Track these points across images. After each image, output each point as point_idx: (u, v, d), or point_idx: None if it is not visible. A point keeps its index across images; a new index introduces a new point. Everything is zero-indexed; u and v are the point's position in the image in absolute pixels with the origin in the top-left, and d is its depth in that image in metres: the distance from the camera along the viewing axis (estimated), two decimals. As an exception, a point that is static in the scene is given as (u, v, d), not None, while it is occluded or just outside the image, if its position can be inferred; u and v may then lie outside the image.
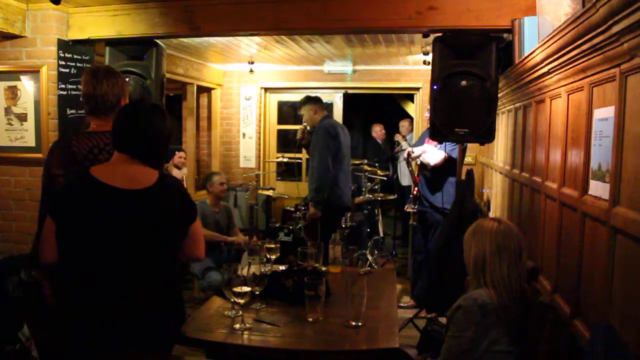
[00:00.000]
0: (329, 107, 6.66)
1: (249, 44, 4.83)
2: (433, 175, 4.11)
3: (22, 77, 3.63)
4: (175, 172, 5.31)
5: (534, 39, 2.67)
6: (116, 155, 1.81)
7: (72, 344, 1.70)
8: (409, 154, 4.22)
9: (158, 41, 3.74)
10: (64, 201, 1.73)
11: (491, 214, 4.24)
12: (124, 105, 2.08)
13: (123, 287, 1.68)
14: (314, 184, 4.14)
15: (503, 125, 3.93)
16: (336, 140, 4.21)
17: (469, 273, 1.89)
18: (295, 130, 6.89)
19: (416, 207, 4.29)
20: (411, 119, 7.28)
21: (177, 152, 5.52)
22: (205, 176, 4.72)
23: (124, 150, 1.78)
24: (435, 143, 4.01)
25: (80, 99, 2.22)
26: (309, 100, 4.38)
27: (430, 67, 3.26)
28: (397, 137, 6.98)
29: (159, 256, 1.76)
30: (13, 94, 3.67)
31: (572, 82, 2.09)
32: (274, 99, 6.88)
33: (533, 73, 2.58)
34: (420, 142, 4.37)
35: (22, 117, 3.67)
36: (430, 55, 3.56)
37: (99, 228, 1.67)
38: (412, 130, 6.96)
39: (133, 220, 1.70)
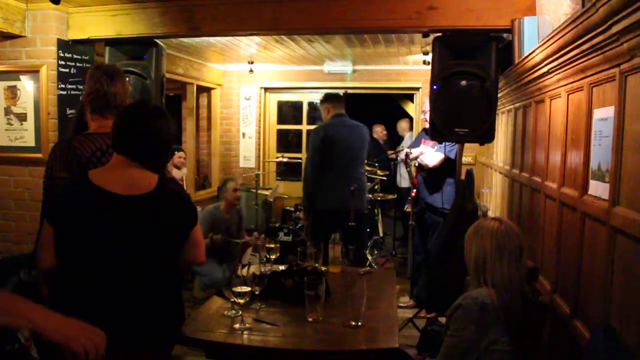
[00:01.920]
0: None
1: (249, 44, 4.83)
2: (431, 176, 4.11)
3: (22, 77, 3.63)
4: (175, 172, 5.30)
5: (534, 39, 2.67)
6: (115, 158, 1.75)
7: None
8: (407, 155, 4.22)
9: (158, 41, 3.73)
10: (62, 208, 1.69)
11: (491, 214, 4.24)
12: (126, 106, 2.03)
13: (123, 292, 1.66)
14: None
15: (503, 125, 3.93)
16: (325, 142, 3.96)
17: (469, 273, 1.89)
18: (295, 130, 6.94)
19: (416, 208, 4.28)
20: (410, 118, 7.28)
21: (176, 152, 5.51)
22: (222, 183, 4.72)
23: (125, 153, 1.73)
24: (432, 144, 4.01)
25: (83, 97, 2.16)
26: (326, 99, 4.20)
27: (430, 67, 3.26)
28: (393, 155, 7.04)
29: (158, 262, 1.74)
30: (13, 93, 3.67)
31: (572, 82, 2.09)
32: (273, 99, 6.88)
33: (533, 73, 2.58)
34: (416, 144, 4.36)
35: (22, 117, 3.66)
36: (430, 55, 3.56)
37: (97, 235, 1.64)
38: (410, 129, 6.97)
39: (132, 227, 1.67)
